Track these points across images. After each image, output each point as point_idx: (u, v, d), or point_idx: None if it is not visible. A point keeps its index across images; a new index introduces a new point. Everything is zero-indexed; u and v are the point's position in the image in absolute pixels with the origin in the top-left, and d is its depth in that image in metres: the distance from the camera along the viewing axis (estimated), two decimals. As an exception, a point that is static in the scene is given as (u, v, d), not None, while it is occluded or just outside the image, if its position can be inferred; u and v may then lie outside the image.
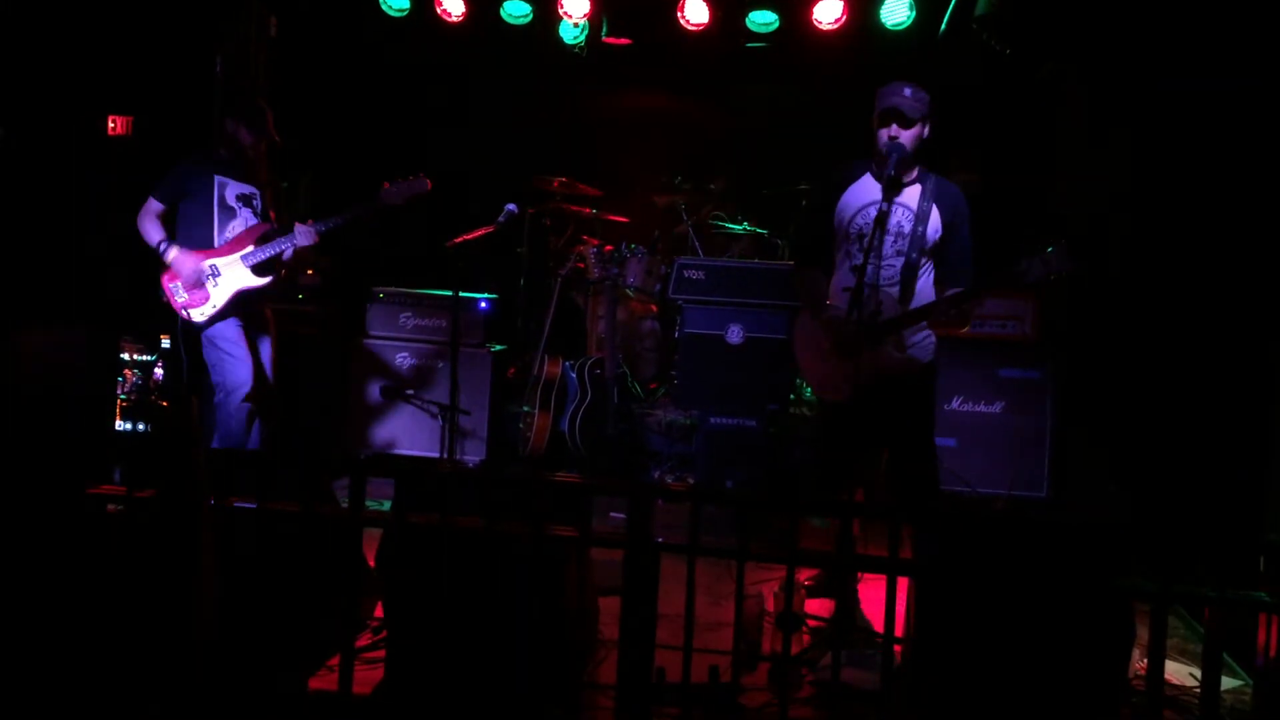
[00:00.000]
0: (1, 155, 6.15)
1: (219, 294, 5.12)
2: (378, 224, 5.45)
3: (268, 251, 5.18)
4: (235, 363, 5.13)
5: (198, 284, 5.08)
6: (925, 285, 4.13)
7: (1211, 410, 4.81)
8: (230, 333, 5.14)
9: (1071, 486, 5.79)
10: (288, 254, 5.22)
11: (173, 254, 5.09)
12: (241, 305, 5.19)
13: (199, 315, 5.10)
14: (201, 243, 5.15)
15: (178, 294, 5.09)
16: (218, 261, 5.14)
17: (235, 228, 5.21)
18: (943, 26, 6.73)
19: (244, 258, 5.16)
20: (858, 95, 6.95)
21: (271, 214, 5.34)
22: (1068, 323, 6.06)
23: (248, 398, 5.12)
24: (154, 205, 5.17)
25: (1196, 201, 5.14)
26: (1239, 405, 4.58)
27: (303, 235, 5.17)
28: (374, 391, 6.47)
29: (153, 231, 5.14)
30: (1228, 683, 3.65)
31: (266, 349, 5.36)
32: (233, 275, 5.14)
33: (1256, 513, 4.23)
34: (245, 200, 5.26)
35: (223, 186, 5.19)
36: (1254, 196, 4.70)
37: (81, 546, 3.01)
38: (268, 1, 7.00)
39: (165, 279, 5.11)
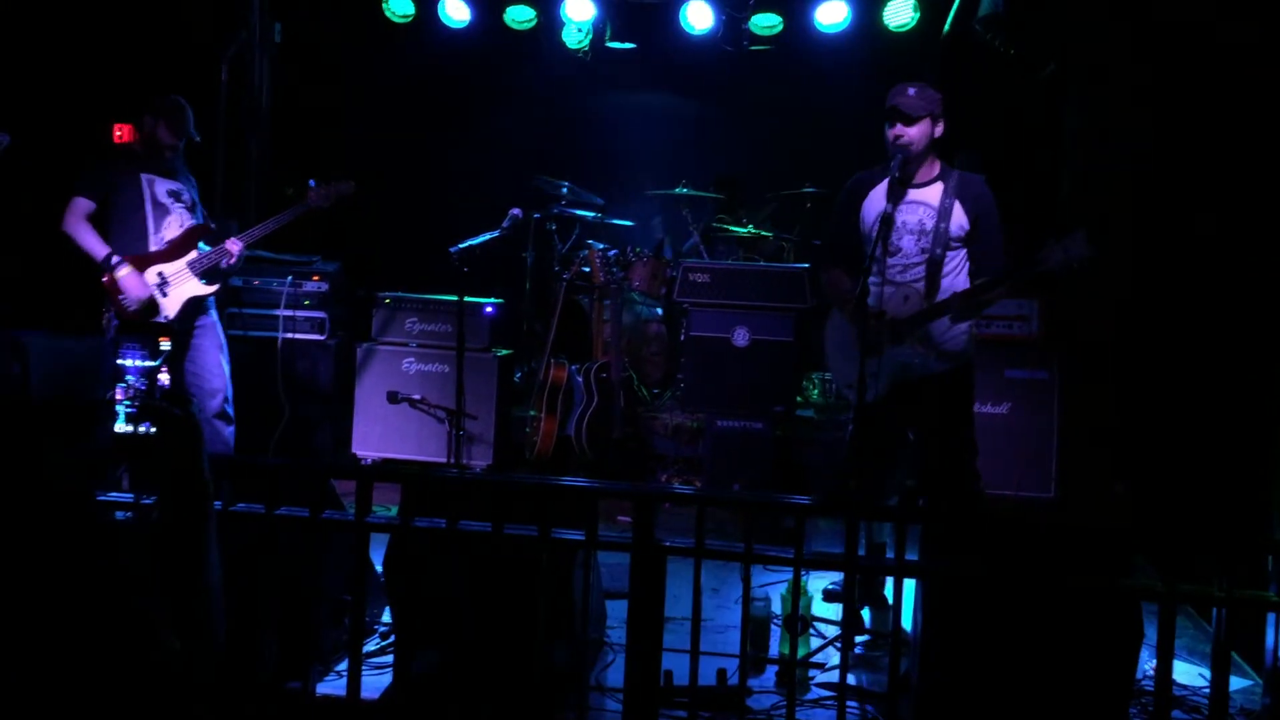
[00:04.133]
0: (8, 162, 6.17)
1: (170, 305, 5.01)
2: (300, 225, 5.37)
3: (210, 259, 5.07)
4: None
5: (148, 299, 4.95)
6: (952, 280, 4.11)
7: (1218, 409, 4.80)
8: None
9: (1079, 487, 5.78)
10: (226, 264, 5.12)
11: (124, 272, 4.89)
12: (190, 313, 5.10)
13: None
14: (138, 244, 5.00)
15: (129, 298, 4.93)
16: (165, 269, 5.00)
17: (170, 224, 5.08)
18: (946, 27, 6.72)
19: (191, 264, 5.05)
20: (862, 97, 6.96)
21: (205, 214, 5.26)
22: (1074, 323, 6.04)
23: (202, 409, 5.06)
24: (83, 205, 4.95)
25: (1202, 201, 5.14)
26: (1246, 404, 4.57)
27: (234, 255, 5.10)
28: (380, 397, 6.47)
29: (94, 242, 4.94)
30: (1237, 683, 3.64)
31: (215, 354, 5.23)
32: (183, 285, 5.04)
33: (1264, 512, 4.22)
34: (175, 196, 5.13)
35: (151, 183, 5.06)
36: (1260, 196, 4.70)
37: (87, 554, 3.02)
38: (272, 8, 7.02)
39: (110, 285, 4.93)
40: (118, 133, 6.69)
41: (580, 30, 7.27)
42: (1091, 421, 5.81)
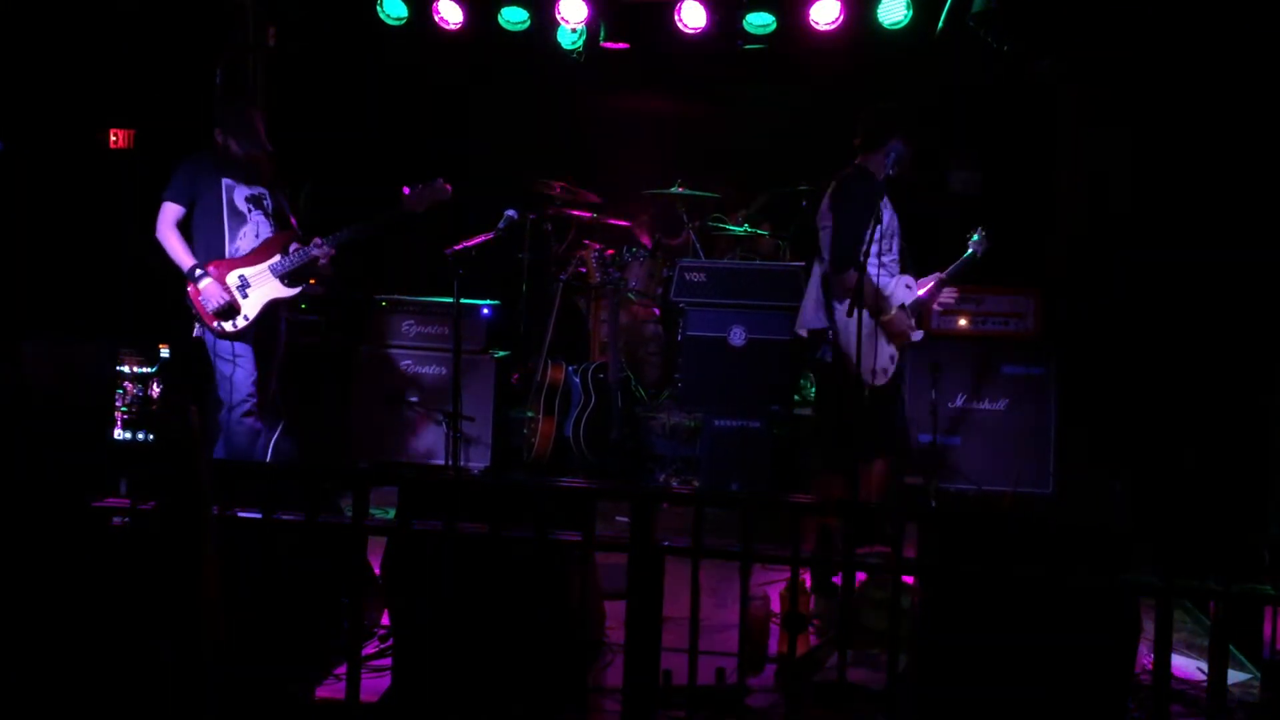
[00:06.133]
0: (3, 168, 6.17)
1: (250, 306, 5.02)
2: (394, 232, 5.37)
3: (295, 260, 5.08)
4: (240, 375, 5.04)
5: (230, 303, 4.96)
6: None
7: (1215, 404, 4.81)
8: (240, 348, 5.04)
9: (1076, 482, 5.79)
10: (320, 262, 5.15)
11: (205, 283, 4.91)
12: (265, 317, 5.10)
13: (230, 327, 5.00)
14: (214, 251, 5.01)
15: (208, 307, 4.96)
16: (247, 273, 5.02)
17: (247, 233, 5.08)
18: (940, 24, 6.72)
19: (272, 267, 5.06)
20: (856, 94, 6.95)
21: (292, 219, 5.26)
22: (1070, 319, 6.06)
23: (249, 411, 5.07)
24: (172, 210, 4.99)
25: (1200, 196, 5.14)
26: (1242, 399, 4.58)
27: (321, 257, 5.12)
28: (377, 399, 6.47)
29: (181, 252, 4.95)
30: (1234, 676, 3.64)
31: (273, 361, 5.28)
32: (263, 287, 5.05)
33: (1260, 506, 4.23)
34: (255, 202, 5.13)
35: (230, 190, 5.06)
36: (1255, 192, 4.70)
37: (86, 559, 3.02)
38: (266, 11, 7.02)
39: (194, 294, 4.97)
40: (113, 138, 6.69)
41: (574, 31, 7.26)
42: (1088, 417, 5.82)
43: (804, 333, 4.87)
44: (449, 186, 5.26)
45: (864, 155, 4.78)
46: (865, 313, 4.39)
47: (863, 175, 4.69)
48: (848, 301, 4.51)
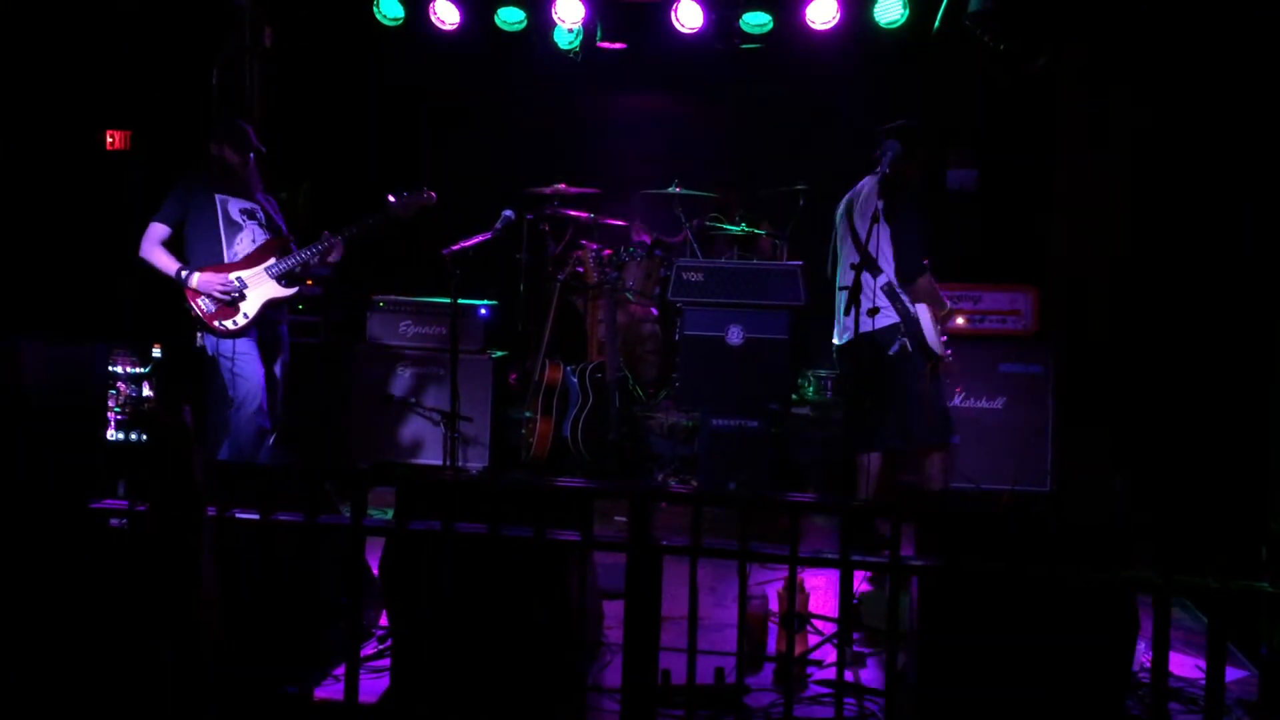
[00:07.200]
0: (2, 168, 6.17)
1: (249, 305, 5.10)
2: (384, 236, 5.43)
3: (291, 262, 5.16)
4: (247, 372, 5.10)
5: (228, 291, 5.06)
6: None
7: (1213, 401, 4.82)
8: (243, 345, 5.12)
9: (1074, 480, 5.79)
10: (315, 262, 5.22)
11: (195, 279, 5.03)
12: (264, 317, 5.17)
13: (230, 325, 5.07)
14: (213, 259, 5.11)
15: (206, 308, 5.06)
16: (243, 274, 5.10)
17: (243, 240, 5.18)
18: (936, 24, 6.73)
19: (268, 269, 5.14)
20: (853, 93, 6.95)
21: (284, 228, 5.35)
22: (1068, 316, 6.06)
23: (258, 409, 5.11)
24: (158, 230, 5.10)
25: (1199, 193, 5.15)
26: (1240, 396, 4.59)
27: (335, 249, 5.20)
28: (375, 400, 6.47)
29: (166, 260, 5.07)
30: (1233, 674, 3.64)
31: (278, 365, 5.35)
32: (260, 288, 5.12)
33: (1259, 502, 4.23)
34: (249, 215, 5.24)
35: (224, 203, 5.17)
36: (1252, 191, 4.71)
37: (83, 560, 3.02)
38: (264, 12, 7.02)
39: (191, 296, 5.07)
40: (110, 139, 6.68)
41: (571, 31, 7.26)
42: (1086, 414, 5.82)
43: (847, 335, 4.89)
44: (433, 194, 5.36)
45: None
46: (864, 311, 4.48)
47: (892, 186, 4.68)
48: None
